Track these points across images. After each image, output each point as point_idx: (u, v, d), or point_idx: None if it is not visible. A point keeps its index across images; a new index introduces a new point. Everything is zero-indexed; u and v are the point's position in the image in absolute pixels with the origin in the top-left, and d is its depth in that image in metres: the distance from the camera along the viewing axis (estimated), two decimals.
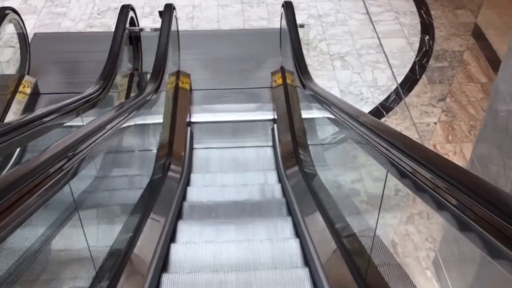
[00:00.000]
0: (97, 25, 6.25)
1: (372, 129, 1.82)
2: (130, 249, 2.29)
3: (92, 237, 2.01)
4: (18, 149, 3.01)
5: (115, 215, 2.63)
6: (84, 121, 3.06)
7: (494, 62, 5.57)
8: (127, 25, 4.72)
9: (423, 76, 5.41)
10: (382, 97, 5.16)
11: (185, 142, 4.41)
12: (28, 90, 4.98)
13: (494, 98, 3.00)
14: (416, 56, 5.68)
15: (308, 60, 4.21)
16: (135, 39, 5.13)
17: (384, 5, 6.54)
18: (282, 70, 5.05)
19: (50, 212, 1.59)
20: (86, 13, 6.44)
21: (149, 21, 6.21)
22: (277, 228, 2.86)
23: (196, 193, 3.54)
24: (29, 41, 5.38)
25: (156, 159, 3.77)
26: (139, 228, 2.52)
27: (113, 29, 4.54)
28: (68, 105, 2.77)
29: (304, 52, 4.26)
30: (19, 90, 4.86)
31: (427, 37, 5.95)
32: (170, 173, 3.59)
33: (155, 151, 3.86)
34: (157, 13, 5.62)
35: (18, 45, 5.24)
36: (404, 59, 5.65)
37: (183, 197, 3.33)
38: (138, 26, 5.28)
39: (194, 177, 3.74)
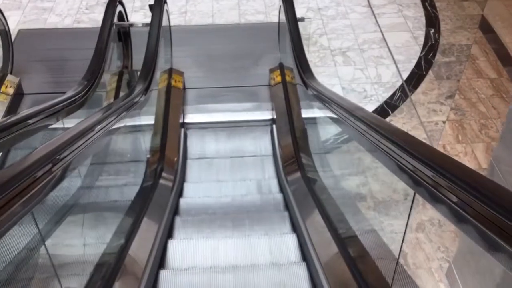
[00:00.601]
0: (85, 21, 5.94)
1: (400, 144, 1.53)
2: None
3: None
4: None
5: (100, 231, 2.35)
6: (67, 126, 2.80)
7: (503, 56, 5.30)
8: (115, 20, 4.42)
9: (430, 71, 5.12)
10: (386, 95, 4.87)
11: (179, 144, 4.13)
12: (11, 91, 4.69)
13: None
14: (422, 51, 5.39)
15: (308, 56, 3.92)
16: (124, 35, 4.83)
17: None
18: (281, 66, 4.76)
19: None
20: (73, 8, 6.12)
21: (140, 16, 5.90)
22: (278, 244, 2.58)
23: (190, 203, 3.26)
24: (13, 38, 5.08)
25: (147, 164, 3.49)
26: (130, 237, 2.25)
27: None
28: (44, 110, 2.48)
29: (304, 48, 3.97)
30: (0, 91, 4.58)
31: (432, 31, 5.66)
32: (161, 181, 3.30)
33: (145, 155, 3.58)
34: (148, 8, 5.31)
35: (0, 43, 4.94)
36: (409, 54, 5.36)
37: (176, 209, 3.04)
38: (128, 21, 4.97)
39: (187, 186, 3.45)
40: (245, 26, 5.88)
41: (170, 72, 4.74)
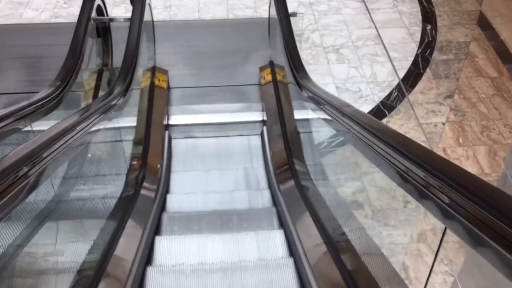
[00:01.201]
0: (64, 15, 5.61)
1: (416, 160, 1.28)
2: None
3: None
4: None
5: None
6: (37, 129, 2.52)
7: (503, 53, 5.08)
8: (94, 14, 4.11)
9: (427, 70, 4.88)
10: (383, 94, 4.62)
11: (162, 147, 3.85)
12: None
13: None
14: (418, 48, 5.15)
15: (300, 53, 3.66)
16: (103, 31, 4.51)
17: None
18: (272, 64, 4.48)
19: None
20: (51, 2, 5.78)
21: (121, 10, 5.59)
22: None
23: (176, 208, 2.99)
24: None
25: (128, 169, 3.20)
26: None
27: None
28: (7, 116, 2.18)
29: (297, 44, 3.70)
30: None
31: (429, 27, 5.42)
32: (143, 191, 3.01)
33: (125, 161, 3.29)
34: (129, 2, 5.00)
35: None
36: (405, 51, 5.11)
37: (157, 222, 2.76)
38: (108, 15, 4.65)
39: (170, 197, 3.16)
40: (233, 22, 5.60)
41: (154, 70, 4.45)
